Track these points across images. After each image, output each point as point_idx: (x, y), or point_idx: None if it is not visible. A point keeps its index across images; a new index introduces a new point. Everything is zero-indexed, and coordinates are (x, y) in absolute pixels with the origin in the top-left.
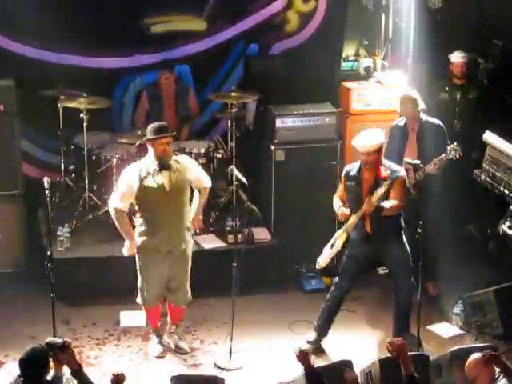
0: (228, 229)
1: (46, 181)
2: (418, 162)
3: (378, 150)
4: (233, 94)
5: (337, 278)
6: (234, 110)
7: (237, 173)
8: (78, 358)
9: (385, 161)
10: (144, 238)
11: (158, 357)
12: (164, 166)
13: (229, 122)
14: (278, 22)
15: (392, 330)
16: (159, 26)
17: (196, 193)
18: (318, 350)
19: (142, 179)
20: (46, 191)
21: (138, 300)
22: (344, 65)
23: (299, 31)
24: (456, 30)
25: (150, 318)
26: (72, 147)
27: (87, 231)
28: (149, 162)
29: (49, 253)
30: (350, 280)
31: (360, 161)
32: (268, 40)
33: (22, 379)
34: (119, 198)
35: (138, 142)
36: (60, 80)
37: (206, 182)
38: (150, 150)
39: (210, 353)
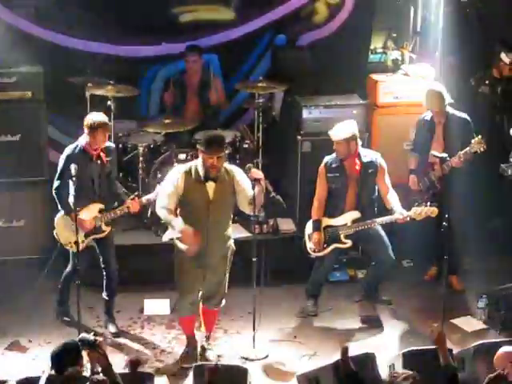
0: (253, 219)
1: (74, 168)
2: (444, 155)
3: (348, 141)
4: (260, 84)
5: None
6: (260, 101)
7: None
8: (103, 345)
9: (362, 149)
10: (181, 245)
11: (183, 367)
12: (210, 177)
13: (256, 112)
14: (306, 13)
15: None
16: (187, 15)
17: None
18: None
19: (187, 184)
20: (73, 178)
21: (173, 307)
22: (372, 57)
23: (327, 22)
24: (486, 23)
25: (183, 325)
26: None
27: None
28: (198, 166)
29: (75, 240)
30: (335, 259)
31: (337, 150)
32: (296, 31)
33: (53, 373)
34: (166, 197)
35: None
36: (88, 67)
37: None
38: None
39: (234, 342)
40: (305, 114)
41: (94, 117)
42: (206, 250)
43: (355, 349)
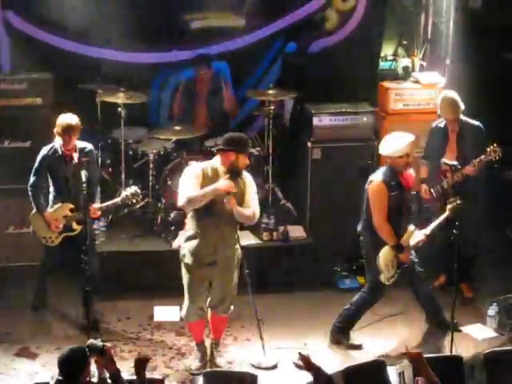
0: (263, 226)
1: (84, 174)
2: (455, 163)
3: (409, 154)
4: (270, 91)
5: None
6: (271, 108)
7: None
8: (112, 351)
9: None
10: (190, 243)
11: (193, 374)
12: (235, 174)
13: (266, 119)
14: (316, 21)
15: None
16: (198, 23)
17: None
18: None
19: (204, 180)
20: (83, 185)
21: (182, 313)
22: (382, 64)
23: (338, 30)
24: (496, 31)
25: (193, 331)
26: (109, 141)
27: (123, 226)
28: (215, 165)
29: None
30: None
31: (399, 165)
32: (306, 38)
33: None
34: (190, 187)
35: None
36: (98, 74)
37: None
38: (222, 159)
39: (244, 349)
40: (315, 121)
41: (63, 119)
42: (215, 251)
43: (365, 356)
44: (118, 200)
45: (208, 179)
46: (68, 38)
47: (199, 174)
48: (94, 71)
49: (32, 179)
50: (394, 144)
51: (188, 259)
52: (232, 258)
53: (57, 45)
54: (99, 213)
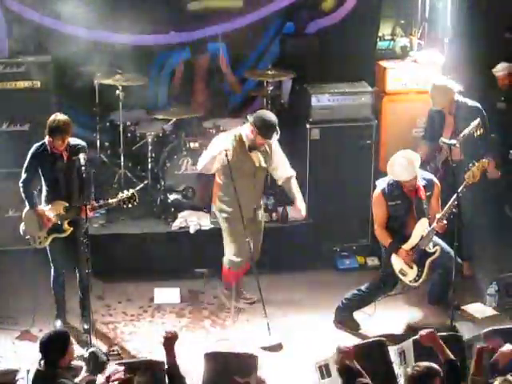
0: (263, 207)
1: (82, 157)
2: (453, 142)
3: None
4: (268, 72)
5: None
6: (269, 88)
7: None
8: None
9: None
10: (229, 207)
11: (248, 302)
12: (254, 148)
13: (264, 100)
14: (314, 1)
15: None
16: (196, 4)
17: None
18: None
19: (235, 152)
20: (82, 168)
21: (229, 264)
22: (380, 44)
23: (335, 10)
24: (494, 10)
25: (231, 276)
26: (108, 124)
27: (122, 208)
28: (242, 137)
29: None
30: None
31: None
32: (304, 18)
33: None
34: (209, 159)
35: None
36: (96, 57)
37: (288, 170)
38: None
39: (243, 330)
40: (313, 101)
41: (54, 119)
42: (251, 211)
43: (366, 336)
44: (112, 201)
45: (237, 150)
46: (65, 21)
47: (230, 147)
48: (93, 54)
49: (23, 176)
50: (400, 170)
51: (229, 218)
52: (261, 216)
53: (55, 27)
54: (92, 213)
